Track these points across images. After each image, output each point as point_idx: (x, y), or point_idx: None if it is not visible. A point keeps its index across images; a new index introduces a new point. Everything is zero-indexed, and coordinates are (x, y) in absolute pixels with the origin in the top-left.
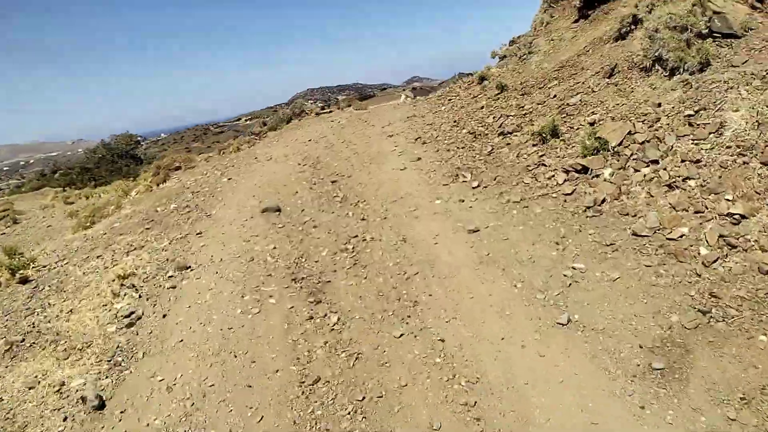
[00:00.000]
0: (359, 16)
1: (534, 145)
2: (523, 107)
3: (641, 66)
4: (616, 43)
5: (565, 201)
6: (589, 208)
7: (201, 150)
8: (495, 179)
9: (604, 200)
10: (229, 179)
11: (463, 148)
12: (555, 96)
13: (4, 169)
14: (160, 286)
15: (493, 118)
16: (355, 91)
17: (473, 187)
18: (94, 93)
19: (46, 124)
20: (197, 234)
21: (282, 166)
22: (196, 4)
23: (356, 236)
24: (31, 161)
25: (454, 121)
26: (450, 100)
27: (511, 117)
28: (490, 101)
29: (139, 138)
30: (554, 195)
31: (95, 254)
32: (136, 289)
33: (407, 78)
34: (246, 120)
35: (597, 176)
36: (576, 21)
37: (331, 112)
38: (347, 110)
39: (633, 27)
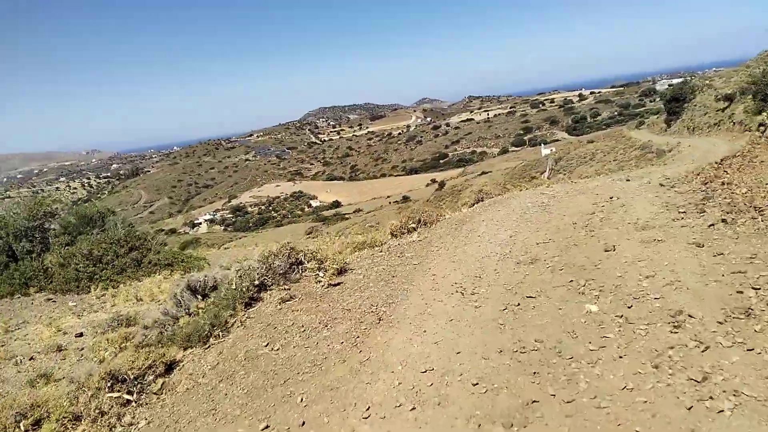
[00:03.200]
0: (369, 36)
1: None
2: None
3: None
4: None
5: None
6: None
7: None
8: None
9: None
10: None
11: None
12: None
13: (18, 177)
14: None
15: None
16: (367, 111)
17: None
18: (109, 105)
19: (58, 134)
20: None
21: None
22: (210, 21)
23: None
24: (45, 170)
25: None
26: None
27: None
28: None
29: (55, 207)
30: None
31: None
32: None
33: (417, 99)
34: (258, 136)
35: None
36: None
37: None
38: (421, 240)
39: None
